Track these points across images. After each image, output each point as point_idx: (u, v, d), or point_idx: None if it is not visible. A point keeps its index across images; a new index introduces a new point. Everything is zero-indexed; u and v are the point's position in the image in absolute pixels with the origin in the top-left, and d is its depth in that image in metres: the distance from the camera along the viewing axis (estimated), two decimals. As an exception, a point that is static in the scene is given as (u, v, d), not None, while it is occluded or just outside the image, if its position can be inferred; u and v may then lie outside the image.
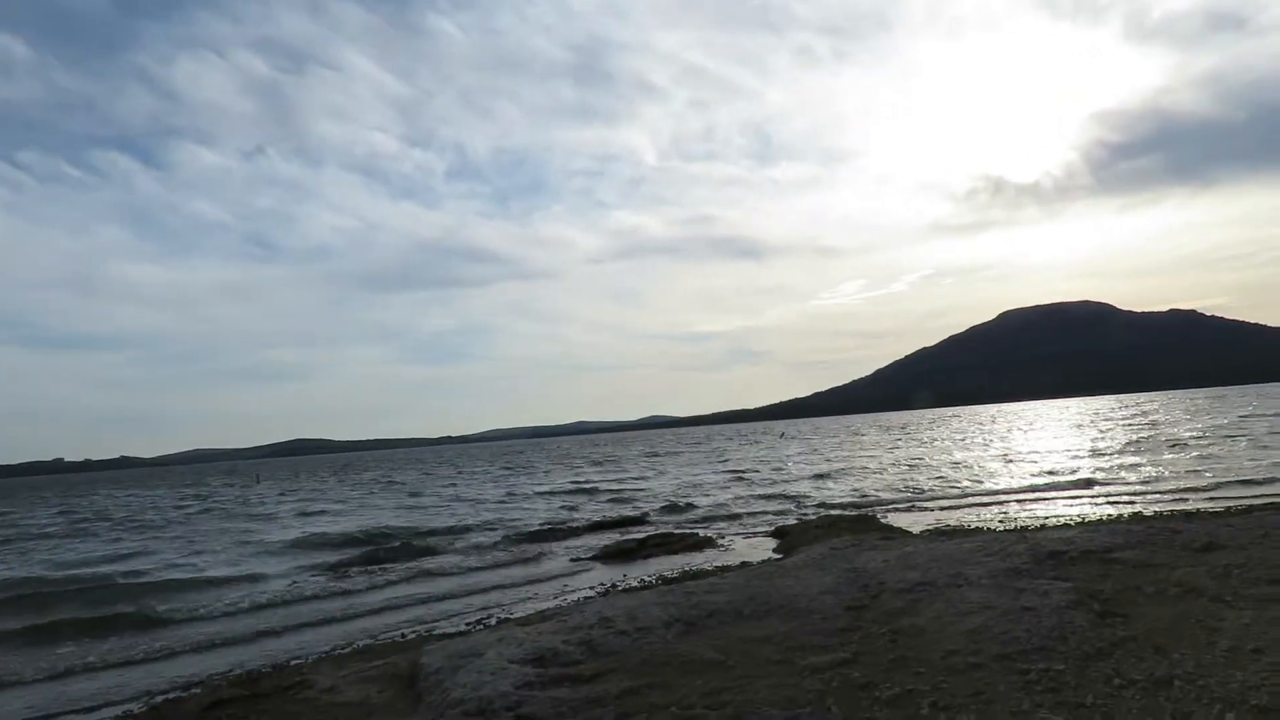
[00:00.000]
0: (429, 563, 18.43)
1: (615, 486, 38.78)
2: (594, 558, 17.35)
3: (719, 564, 14.82)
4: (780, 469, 42.65)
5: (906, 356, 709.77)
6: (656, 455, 74.96)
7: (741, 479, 37.78)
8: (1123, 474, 28.53)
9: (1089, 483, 26.98)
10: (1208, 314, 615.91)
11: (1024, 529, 14.63)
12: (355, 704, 7.80)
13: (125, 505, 55.04)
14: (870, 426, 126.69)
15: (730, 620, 8.84)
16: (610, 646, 8.32)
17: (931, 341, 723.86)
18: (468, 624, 11.48)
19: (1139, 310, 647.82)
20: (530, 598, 13.62)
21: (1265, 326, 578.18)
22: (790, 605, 9.04)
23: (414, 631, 11.33)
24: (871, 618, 8.33)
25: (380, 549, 20.74)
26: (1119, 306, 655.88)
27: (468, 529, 24.63)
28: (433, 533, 23.88)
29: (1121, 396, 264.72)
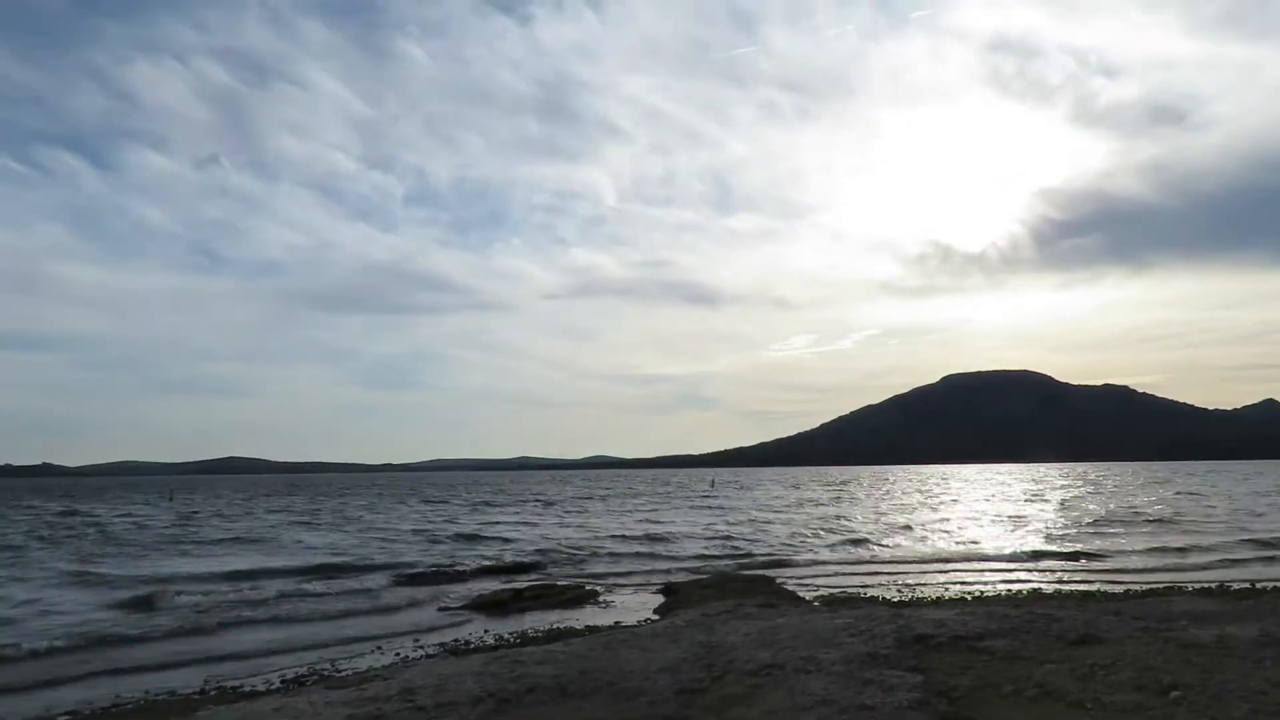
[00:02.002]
0: (293, 604, 17.01)
1: (523, 527, 37.46)
2: (465, 607, 16.13)
3: (590, 623, 13.78)
4: (705, 520, 41.67)
5: (851, 413, 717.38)
6: (587, 498, 73.55)
7: (661, 528, 36.72)
8: (1041, 544, 28.18)
9: (1006, 553, 26.57)
10: (1140, 390, 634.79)
11: (906, 603, 13.88)
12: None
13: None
14: (809, 480, 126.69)
15: (550, 699, 7.81)
16: (401, 725, 7.25)
17: (876, 400, 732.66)
18: (283, 680, 10.26)
19: (1076, 383, 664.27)
20: (373, 650, 12.40)
21: (1192, 406, 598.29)
22: (621, 684, 8.05)
23: (217, 687, 10.07)
24: (702, 705, 7.39)
25: (247, 587, 19.20)
26: (1057, 378, 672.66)
27: (354, 567, 23.19)
28: (315, 570, 22.37)
29: (1056, 465, 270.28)
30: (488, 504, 62.50)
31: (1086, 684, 7.22)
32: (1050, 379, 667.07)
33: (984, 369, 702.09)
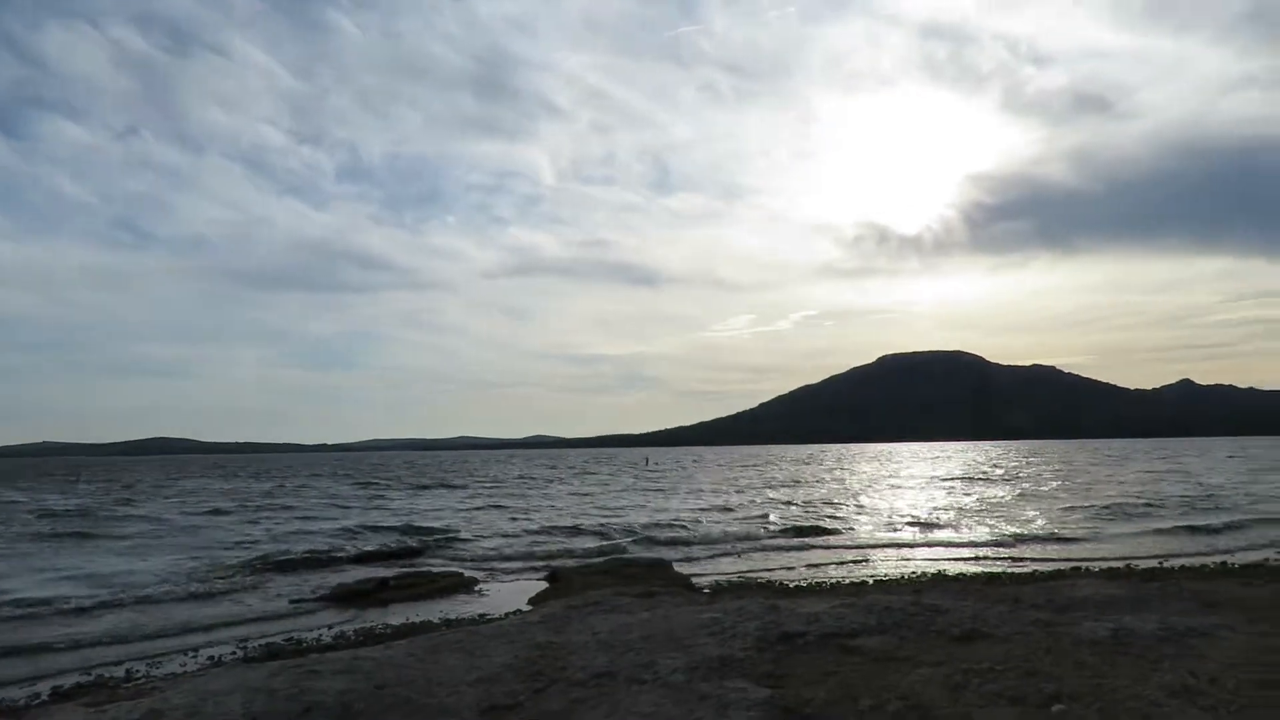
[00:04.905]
0: (134, 592, 15.25)
1: (422, 510, 35.90)
2: (321, 599, 14.59)
3: (454, 615, 12.42)
4: (631, 500, 40.55)
5: (790, 392, 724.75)
6: (521, 477, 71.89)
7: (582, 505, 35.51)
8: (959, 523, 27.75)
9: (920, 531, 26.03)
10: (1066, 371, 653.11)
11: (790, 591, 12.86)
12: None
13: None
14: (746, 460, 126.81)
15: (329, 722, 6.45)
16: (123, 762, 5.82)
17: (814, 380, 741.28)
18: (55, 692, 8.67)
19: (1005, 363, 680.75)
20: (188, 652, 10.84)
21: (1115, 386, 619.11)
22: (420, 701, 6.71)
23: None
24: (506, 728, 6.12)
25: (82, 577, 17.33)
26: (988, 359, 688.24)
27: (225, 554, 21.39)
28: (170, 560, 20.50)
29: (987, 443, 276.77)
30: (409, 486, 60.48)
31: (959, 694, 6.14)
32: (982, 359, 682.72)
33: (919, 349, 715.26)
